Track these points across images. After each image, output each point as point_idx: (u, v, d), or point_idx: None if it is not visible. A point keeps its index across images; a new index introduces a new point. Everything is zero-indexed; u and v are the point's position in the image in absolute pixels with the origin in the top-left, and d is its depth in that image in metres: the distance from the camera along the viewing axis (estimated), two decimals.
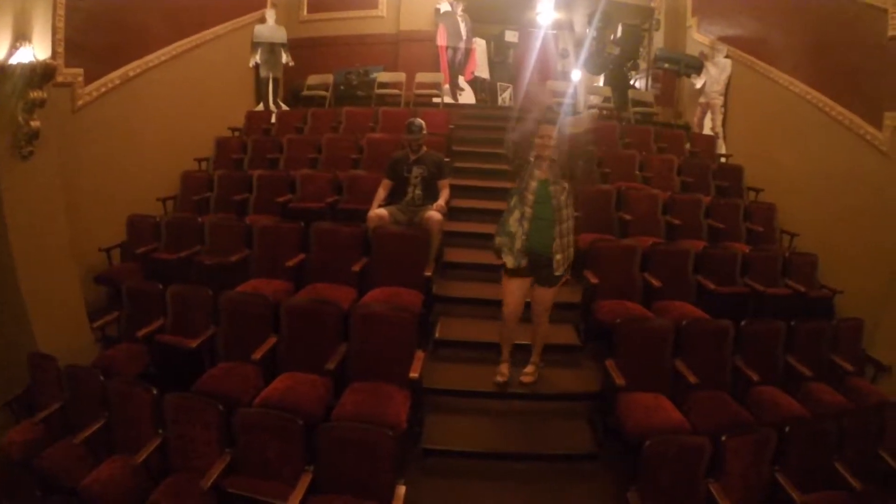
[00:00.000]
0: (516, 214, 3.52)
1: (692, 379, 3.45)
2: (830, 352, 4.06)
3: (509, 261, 3.55)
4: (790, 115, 6.18)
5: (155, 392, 3.06)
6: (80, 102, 4.98)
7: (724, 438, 2.90)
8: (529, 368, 3.91)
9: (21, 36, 3.81)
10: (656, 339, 3.68)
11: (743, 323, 3.84)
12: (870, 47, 5.05)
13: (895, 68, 4.74)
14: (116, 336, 4.21)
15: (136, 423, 3.10)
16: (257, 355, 3.48)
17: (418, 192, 4.75)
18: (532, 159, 3.50)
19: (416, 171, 4.74)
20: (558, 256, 3.49)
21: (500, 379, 3.84)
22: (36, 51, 3.88)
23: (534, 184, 3.46)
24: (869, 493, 2.92)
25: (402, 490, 2.78)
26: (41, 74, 3.86)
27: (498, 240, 3.61)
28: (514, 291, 3.62)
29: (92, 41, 5.07)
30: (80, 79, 4.97)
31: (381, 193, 4.83)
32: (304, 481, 2.74)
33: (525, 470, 3.42)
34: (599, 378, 3.81)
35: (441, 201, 4.67)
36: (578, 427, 3.69)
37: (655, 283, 4.37)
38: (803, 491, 2.85)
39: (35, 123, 3.88)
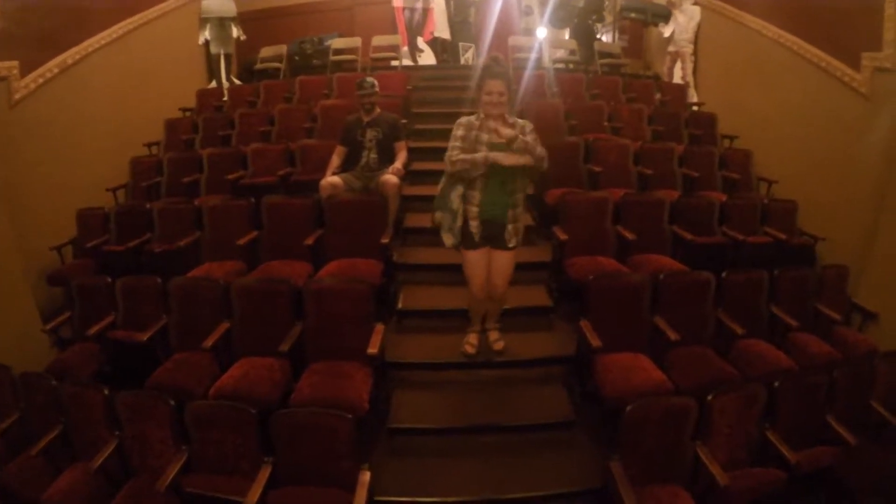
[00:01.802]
0: (458, 188, 3.16)
1: (672, 335, 3.25)
2: (815, 301, 3.91)
3: (448, 240, 3.27)
4: (764, 59, 5.94)
5: (106, 392, 2.87)
6: (17, 96, 4.68)
7: (709, 398, 2.72)
8: (495, 335, 3.67)
9: None
10: (632, 295, 3.47)
11: (724, 274, 3.65)
12: None
13: (873, 9, 4.48)
14: (70, 337, 4.00)
15: (92, 427, 2.92)
16: (208, 343, 3.28)
17: (373, 155, 4.49)
18: (477, 122, 3.13)
19: (370, 133, 4.49)
20: (510, 227, 3.22)
21: (469, 349, 3.61)
22: None
23: (484, 149, 3.07)
24: (863, 445, 2.77)
25: (366, 476, 2.61)
26: None
27: (437, 214, 3.31)
28: (476, 263, 3.29)
29: (26, 30, 4.78)
30: (16, 71, 4.66)
31: (335, 160, 4.57)
32: (264, 474, 2.59)
33: (499, 443, 3.21)
34: (574, 340, 3.58)
35: (398, 164, 4.43)
36: (554, 393, 3.47)
37: (629, 235, 4.14)
38: (795, 448, 2.69)
39: None
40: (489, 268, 3.29)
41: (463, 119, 3.20)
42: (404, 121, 5.13)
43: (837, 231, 4.59)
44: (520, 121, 3.19)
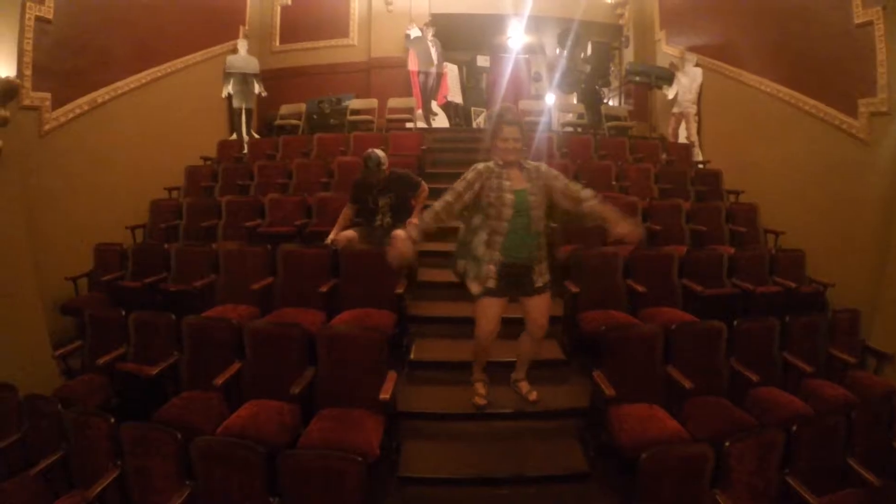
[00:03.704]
0: (482, 235, 3.14)
1: (687, 384, 3.21)
2: (828, 345, 3.88)
3: (474, 287, 3.21)
4: (764, 115, 6.12)
5: (112, 421, 2.81)
6: (47, 127, 4.86)
7: (726, 444, 2.66)
8: (526, 386, 3.67)
9: None
10: (645, 345, 3.45)
11: (735, 322, 3.63)
12: (836, 37, 4.99)
13: (864, 55, 4.67)
14: (80, 367, 3.96)
15: (94, 456, 2.85)
16: (219, 381, 3.23)
17: (388, 219, 4.53)
18: (497, 168, 3.13)
19: (382, 200, 4.51)
20: (536, 268, 3.22)
21: (479, 401, 3.56)
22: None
23: (510, 196, 3.06)
24: (888, 487, 2.69)
25: None
26: (4, 91, 3.80)
27: (460, 263, 3.28)
28: (489, 307, 3.25)
29: (60, 65, 4.99)
30: (48, 103, 4.85)
31: (346, 216, 4.62)
32: None
33: (512, 495, 3.14)
34: (588, 392, 3.55)
35: (414, 219, 4.44)
36: (568, 446, 3.42)
37: (640, 288, 4.17)
38: (816, 493, 2.61)
39: None
40: (525, 314, 3.29)
41: (480, 165, 3.15)
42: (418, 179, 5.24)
43: (847, 276, 4.58)
44: (533, 163, 3.21)
